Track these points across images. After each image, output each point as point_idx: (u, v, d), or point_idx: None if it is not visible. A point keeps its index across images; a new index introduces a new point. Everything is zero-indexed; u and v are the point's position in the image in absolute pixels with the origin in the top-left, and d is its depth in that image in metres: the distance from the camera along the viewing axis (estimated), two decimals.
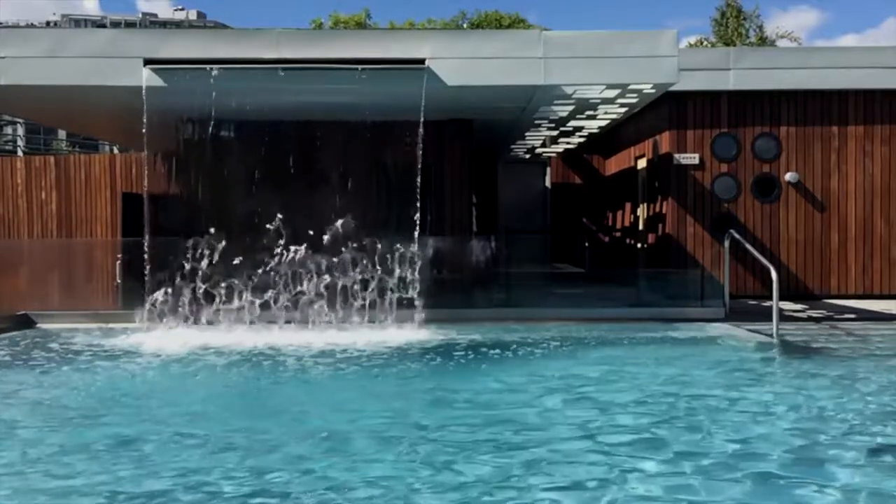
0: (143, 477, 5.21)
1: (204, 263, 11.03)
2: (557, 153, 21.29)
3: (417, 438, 6.02)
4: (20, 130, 68.87)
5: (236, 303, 11.05)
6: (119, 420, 6.71)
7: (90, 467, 5.42)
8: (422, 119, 11.59)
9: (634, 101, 13.31)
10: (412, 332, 10.82)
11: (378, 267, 11.32)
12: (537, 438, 5.99)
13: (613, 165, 19.85)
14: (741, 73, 14.79)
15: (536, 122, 15.57)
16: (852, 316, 12.47)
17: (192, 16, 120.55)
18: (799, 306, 13.62)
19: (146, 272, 11.24)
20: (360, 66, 11.11)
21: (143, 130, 11.60)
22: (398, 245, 11.39)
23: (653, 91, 12.51)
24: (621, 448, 5.75)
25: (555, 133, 17.29)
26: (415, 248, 11.41)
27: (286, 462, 5.46)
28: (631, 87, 12.11)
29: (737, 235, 12.46)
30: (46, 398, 7.52)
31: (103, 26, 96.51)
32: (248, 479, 5.12)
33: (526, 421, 6.56)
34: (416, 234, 11.51)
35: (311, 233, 11.18)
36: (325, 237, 11.22)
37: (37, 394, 7.72)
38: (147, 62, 11.25)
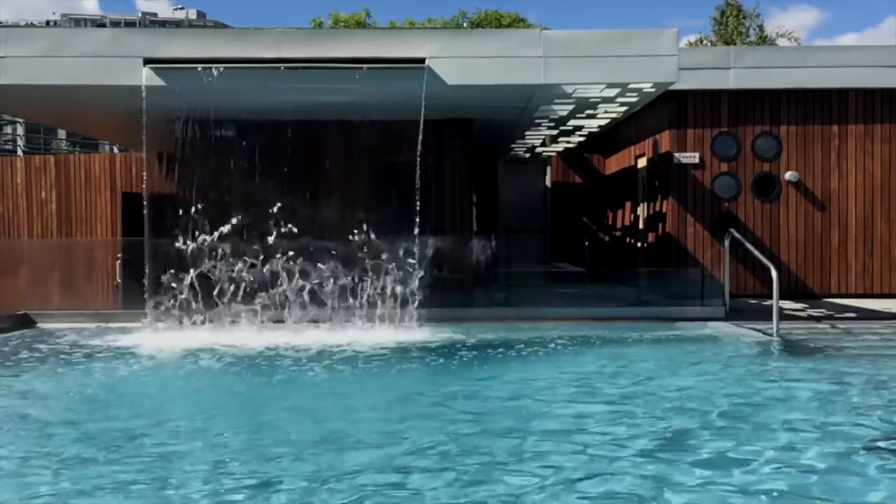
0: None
1: (204, 263, 11.01)
2: (557, 152, 21.27)
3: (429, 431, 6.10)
4: (20, 130, 68.96)
5: (237, 303, 11.02)
6: (102, 419, 6.71)
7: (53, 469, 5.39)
8: (422, 118, 11.58)
9: (634, 100, 13.30)
10: (412, 332, 10.80)
11: (378, 266, 11.30)
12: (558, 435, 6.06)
13: (613, 164, 19.83)
14: (741, 72, 14.78)
15: (536, 121, 15.55)
16: (853, 315, 12.46)
17: (192, 15, 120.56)
18: (799, 305, 13.61)
19: (146, 272, 11.22)
20: (360, 66, 11.09)
21: (143, 130, 11.59)
22: (398, 244, 11.37)
23: (653, 90, 12.50)
24: (646, 448, 5.72)
25: (555, 132, 17.28)
26: (415, 247, 11.39)
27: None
28: (631, 86, 12.11)
29: (737, 235, 12.45)
30: (38, 398, 7.52)
31: (103, 26, 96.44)
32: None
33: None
34: (417, 233, 11.49)
35: (312, 232, 11.17)
36: (326, 237, 11.20)
37: (30, 393, 7.72)
38: (147, 62, 11.23)
